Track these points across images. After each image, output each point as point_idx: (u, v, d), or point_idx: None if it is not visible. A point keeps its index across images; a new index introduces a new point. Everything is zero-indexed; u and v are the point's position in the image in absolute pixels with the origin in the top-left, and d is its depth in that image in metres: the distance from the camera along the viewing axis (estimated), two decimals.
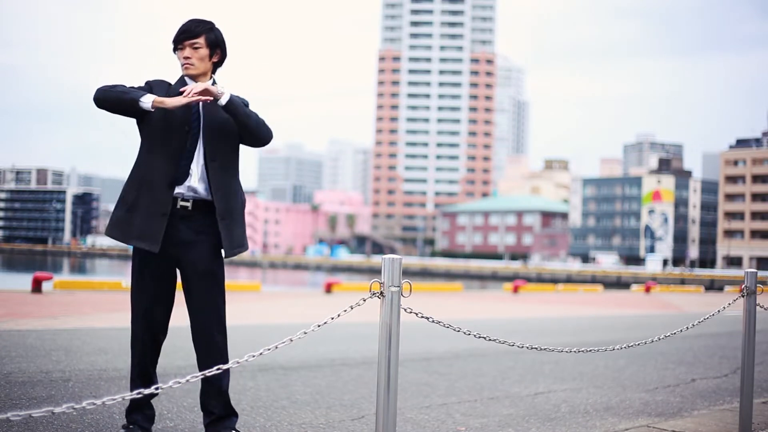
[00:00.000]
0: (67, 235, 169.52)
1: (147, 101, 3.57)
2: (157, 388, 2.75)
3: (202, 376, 2.82)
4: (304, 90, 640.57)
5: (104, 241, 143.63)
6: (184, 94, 3.58)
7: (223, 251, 3.77)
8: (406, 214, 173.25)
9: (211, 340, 3.77)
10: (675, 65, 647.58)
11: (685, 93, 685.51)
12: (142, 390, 2.72)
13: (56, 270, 68.51)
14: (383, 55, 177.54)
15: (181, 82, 3.77)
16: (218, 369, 2.85)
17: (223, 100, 3.64)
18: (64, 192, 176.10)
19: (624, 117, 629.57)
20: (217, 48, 3.78)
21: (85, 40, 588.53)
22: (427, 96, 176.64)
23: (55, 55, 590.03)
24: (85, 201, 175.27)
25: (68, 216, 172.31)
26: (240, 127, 3.73)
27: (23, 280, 31.31)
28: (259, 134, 3.77)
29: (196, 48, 3.72)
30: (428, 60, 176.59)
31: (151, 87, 3.73)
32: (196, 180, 3.71)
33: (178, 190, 3.69)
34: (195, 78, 3.76)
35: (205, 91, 3.57)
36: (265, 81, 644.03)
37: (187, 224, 3.71)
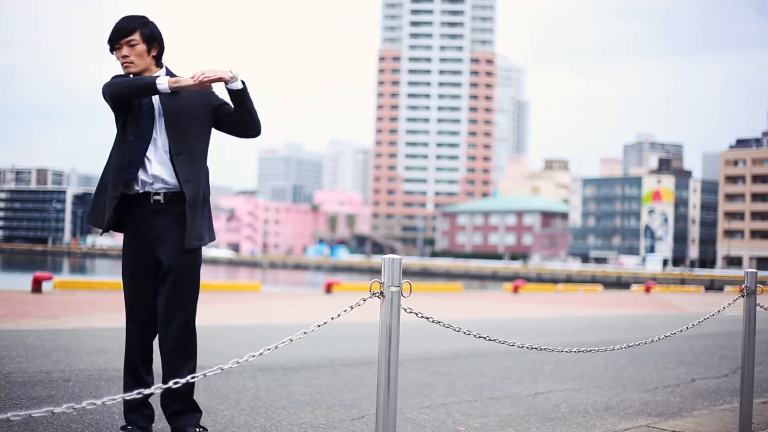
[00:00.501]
0: (67, 235, 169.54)
1: (164, 82, 3.53)
2: (148, 393, 2.67)
3: (201, 374, 2.82)
4: (304, 90, 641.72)
5: (104, 241, 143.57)
6: (193, 77, 3.53)
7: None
8: (406, 214, 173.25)
9: (174, 338, 3.70)
10: (675, 65, 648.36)
11: (685, 93, 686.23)
12: (143, 390, 2.71)
13: (56, 270, 68.49)
14: (383, 55, 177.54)
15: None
16: (218, 369, 2.86)
17: (235, 86, 3.61)
18: (64, 192, 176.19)
19: (624, 117, 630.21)
20: (154, 41, 3.70)
21: (85, 40, 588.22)
22: (427, 96, 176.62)
23: (55, 55, 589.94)
24: (85, 201, 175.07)
25: (68, 216, 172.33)
26: (243, 115, 3.70)
27: (23, 280, 31.34)
28: (255, 124, 3.76)
29: (133, 45, 3.65)
30: (428, 60, 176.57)
31: None
32: (160, 170, 3.66)
33: (156, 185, 3.67)
34: (138, 75, 3.70)
35: (216, 78, 3.54)
36: (265, 81, 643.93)
37: (160, 218, 3.68)
